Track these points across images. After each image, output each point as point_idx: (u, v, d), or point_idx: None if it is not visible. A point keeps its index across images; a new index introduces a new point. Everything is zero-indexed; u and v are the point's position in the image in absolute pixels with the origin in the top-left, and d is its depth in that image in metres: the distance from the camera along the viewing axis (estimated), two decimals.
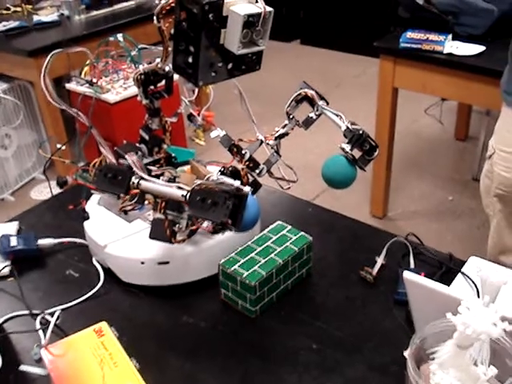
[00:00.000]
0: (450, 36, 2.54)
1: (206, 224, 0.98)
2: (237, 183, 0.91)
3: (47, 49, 2.81)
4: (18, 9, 3.48)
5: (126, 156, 1.04)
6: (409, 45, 2.52)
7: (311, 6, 5.54)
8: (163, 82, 1.18)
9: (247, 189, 0.92)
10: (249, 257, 1.15)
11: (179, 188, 0.97)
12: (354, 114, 3.81)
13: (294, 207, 1.50)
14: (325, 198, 3.18)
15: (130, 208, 1.05)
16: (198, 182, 0.93)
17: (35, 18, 3.24)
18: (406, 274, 0.88)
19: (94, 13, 3.34)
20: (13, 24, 3.14)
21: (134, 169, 1.02)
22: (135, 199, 1.03)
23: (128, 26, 3.14)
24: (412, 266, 1.23)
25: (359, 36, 5.13)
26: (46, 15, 3.28)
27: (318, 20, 5.55)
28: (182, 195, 0.95)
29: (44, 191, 3.44)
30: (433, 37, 2.50)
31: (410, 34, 2.54)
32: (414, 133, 3.94)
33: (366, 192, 3.06)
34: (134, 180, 1.02)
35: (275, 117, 4.02)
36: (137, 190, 1.02)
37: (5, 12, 3.47)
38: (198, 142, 3.83)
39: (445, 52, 2.46)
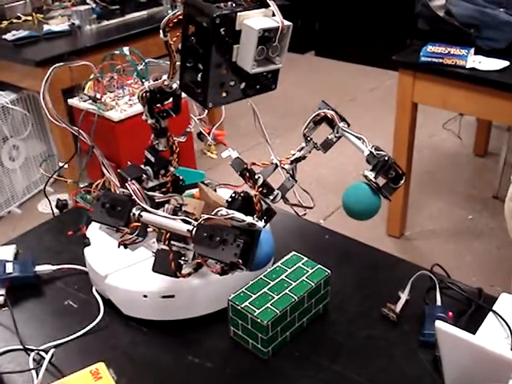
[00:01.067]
0: (472, 50, 2.44)
1: (213, 263, 0.88)
2: (249, 219, 0.81)
3: (56, 59, 2.74)
4: (29, 18, 3.42)
5: (127, 184, 0.94)
6: (430, 59, 2.42)
7: (327, 18, 5.46)
8: (170, 100, 1.09)
9: (260, 224, 0.82)
10: (261, 292, 1.05)
11: (185, 221, 0.87)
12: (370, 128, 3.72)
13: (309, 233, 1.40)
14: (339, 216, 3.08)
15: (130, 242, 0.95)
16: (205, 216, 0.84)
17: (45, 27, 3.17)
18: (439, 324, 0.78)
19: (106, 23, 3.26)
20: (22, 33, 3.07)
21: (135, 199, 0.93)
22: (136, 232, 0.94)
23: (139, 36, 3.07)
24: (438, 302, 1.13)
25: (375, 48, 5.04)
26: (57, 25, 3.21)
27: (333, 32, 5.46)
28: (188, 230, 0.86)
29: (52, 204, 3.36)
30: (455, 51, 2.40)
31: (430, 48, 2.44)
32: (431, 148, 3.83)
33: (382, 210, 2.94)
34: (135, 211, 0.92)
35: (288, 129, 3.97)
36: (138, 224, 0.92)
37: (15, 21, 3.40)
38: (209, 155, 3.74)
39: (467, 67, 2.36)
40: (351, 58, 5.31)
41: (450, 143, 3.90)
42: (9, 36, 3.06)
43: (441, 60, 2.41)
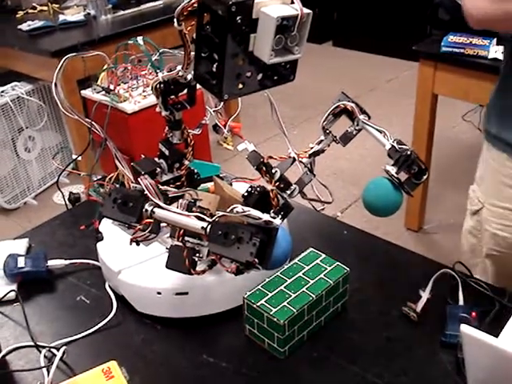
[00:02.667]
0: (495, 40, 2.38)
1: (227, 262, 0.85)
2: (266, 217, 0.78)
3: (71, 49, 2.71)
4: (45, 8, 3.40)
5: (139, 179, 0.91)
6: (451, 49, 2.37)
7: (345, 8, 5.40)
8: (185, 91, 1.06)
9: (277, 222, 0.79)
10: (278, 290, 1.02)
11: (199, 218, 0.84)
12: (389, 119, 3.64)
13: (327, 229, 1.36)
14: (357, 208, 3.04)
15: (142, 239, 0.92)
16: (220, 213, 0.80)
17: (61, 17, 3.15)
18: (464, 328, 0.75)
19: (121, 12, 3.24)
20: (38, 24, 3.05)
21: (148, 194, 0.90)
22: (149, 229, 0.91)
23: (155, 26, 3.04)
24: (461, 302, 1.09)
25: (393, 38, 4.98)
26: (72, 15, 3.19)
27: (351, 22, 5.40)
28: (202, 227, 0.83)
29: (67, 195, 3.35)
30: (476, 41, 2.35)
31: (452, 38, 2.39)
32: (450, 140, 3.77)
33: None
34: (148, 208, 0.89)
35: (305, 120, 3.92)
36: (150, 220, 0.89)
37: (31, 11, 3.39)
38: (225, 146, 3.71)
39: (490, 57, 2.31)
40: (369, 48, 5.24)
41: (470, 135, 3.84)
42: (24, 26, 3.06)
43: (462, 50, 2.35)
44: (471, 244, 1.48)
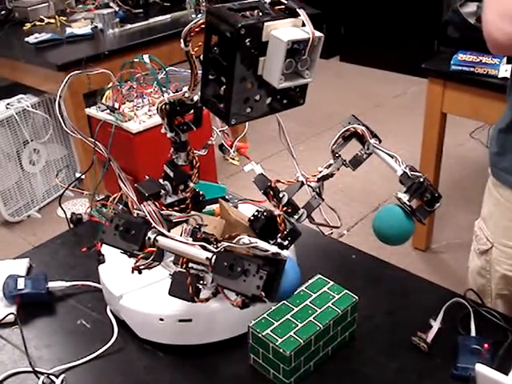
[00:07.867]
0: (505, 59, 2.35)
1: (232, 295, 0.82)
2: (273, 249, 0.75)
3: (78, 63, 2.71)
4: (52, 20, 3.39)
5: (142, 205, 0.88)
6: (460, 67, 2.34)
7: (352, 23, 5.38)
8: (191, 112, 1.03)
9: (286, 253, 0.76)
10: (284, 319, 0.98)
11: (203, 248, 0.81)
12: (396, 136, 3.59)
13: (334, 253, 1.33)
14: (364, 227, 3.00)
15: (144, 267, 0.89)
16: (225, 243, 0.77)
17: (68, 30, 3.13)
18: (480, 368, 0.71)
19: (129, 26, 3.21)
20: (44, 36, 3.04)
21: (151, 221, 0.87)
22: (152, 257, 0.87)
23: (163, 40, 3.02)
24: (473, 332, 1.06)
25: (400, 54, 4.95)
26: (79, 28, 3.17)
27: (358, 37, 5.38)
28: (207, 258, 0.80)
29: (72, 209, 3.33)
30: (486, 59, 2.32)
31: (461, 56, 2.36)
32: (458, 157, 3.73)
33: None
34: (151, 235, 0.86)
35: (312, 136, 3.87)
36: (153, 248, 0.86)
37: (38, 24, 3.38)
38: (231, 161, 3.68)
39: (500, 76, 2.28)
40: (376, 64, 5.22)
41: (478, 153, 3.81)
42: (31, 39, 3.04)
43: (472, 69, 2.32)
44: (480, 285, 1.39)
